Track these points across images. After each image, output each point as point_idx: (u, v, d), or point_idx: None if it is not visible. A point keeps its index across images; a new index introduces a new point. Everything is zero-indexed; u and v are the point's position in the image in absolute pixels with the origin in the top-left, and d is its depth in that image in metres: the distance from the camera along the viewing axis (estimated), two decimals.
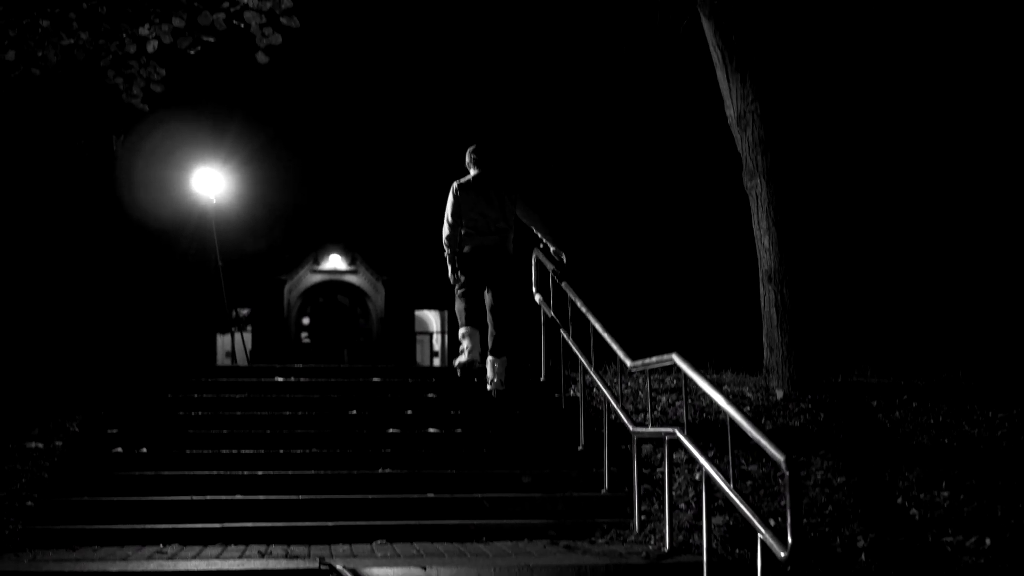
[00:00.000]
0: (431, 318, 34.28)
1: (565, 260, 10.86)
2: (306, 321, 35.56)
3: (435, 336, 34.07)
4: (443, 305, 32.44)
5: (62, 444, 9.58)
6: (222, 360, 31.02)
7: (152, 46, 10.27)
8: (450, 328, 32.13)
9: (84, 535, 7.94)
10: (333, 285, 34.64)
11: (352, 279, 34.12)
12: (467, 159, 11.05)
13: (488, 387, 10.65)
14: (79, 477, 8.85)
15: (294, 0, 9.95)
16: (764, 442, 5.81)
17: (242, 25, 10.12)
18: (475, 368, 10.85)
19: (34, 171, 15.23)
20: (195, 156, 20.41)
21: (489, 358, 10.71)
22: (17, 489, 8.66)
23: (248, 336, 29.85)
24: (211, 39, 10.28)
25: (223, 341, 30.93)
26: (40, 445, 9.59)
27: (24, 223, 14.61)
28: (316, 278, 34.05)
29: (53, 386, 11.13)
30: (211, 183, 19.15)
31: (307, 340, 35.28)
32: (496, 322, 10.79)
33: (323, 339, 34.90)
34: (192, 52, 10.39)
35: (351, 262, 33.43)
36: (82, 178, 17.43)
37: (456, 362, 10.97)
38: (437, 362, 33.17)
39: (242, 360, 27.88)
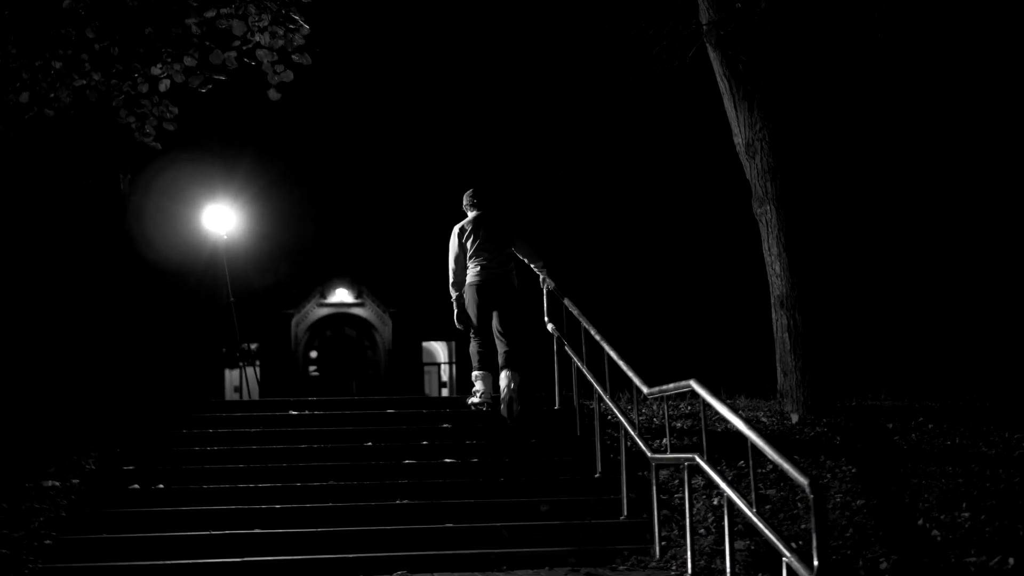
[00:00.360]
0: (438, 349, 34.27)
1: (552, 289, 11.29)
2: (314, 354, 35.53)
3: (443, 367, 34.05)
4: (450, 336, 32.43)
5: (79, 482, 9.59)
6: (231, 395, 31.03)
7: (164, 85, 10.31)
8: (458, 359, 32.16)
9: (103, 573, 7.95)
10: (340, 318, 34.65)
11: (359, 312, 34.14)
12: (464, 202, 11.66)
13: (501, 406, 10.91)
14: (97, 515, 8.86)
15: (305, 38, 10.00)
16: (787, 466, 5.82)
17: (253, 63, 10.17)
18: (486, 411, 11.13)
19: (46, 211, 15.30)
20: (206, 192, 20.49)
21: (502, 373, 11.03)
22: (35, 528, 8.67)
23: (256, 370, 29.84)
24: (222, 77, 10.33)
25: (231, 376, 30.97)
26: (57, 483, 9.61)
27: (35, 262, 14.67)
28: (323, 311, 34.07)
29: (67, 423, 11.14)
30: (222, 219, 19.22)
31: (315, 373, 35.26)
32: (506, 340, 11.17)
33: (331, 372, 34.87)
34: (203, 90, 10.43)
35: (357, 295, 33.48)
36: (92, 217, 17.49)
37: (469, 401, 11.31)
38: (445, 392, 33.15)
39: (252, 395, 27.88)
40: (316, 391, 32.05)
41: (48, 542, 8.40)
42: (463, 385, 30.48)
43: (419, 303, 30.86)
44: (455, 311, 11.48)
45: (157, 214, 22.54)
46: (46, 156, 14.79)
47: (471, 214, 11.52)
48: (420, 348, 33.30)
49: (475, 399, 11.19)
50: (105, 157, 17.67)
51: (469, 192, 11.56)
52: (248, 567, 7.98)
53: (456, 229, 11.41)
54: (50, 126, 11.09)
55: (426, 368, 33.73)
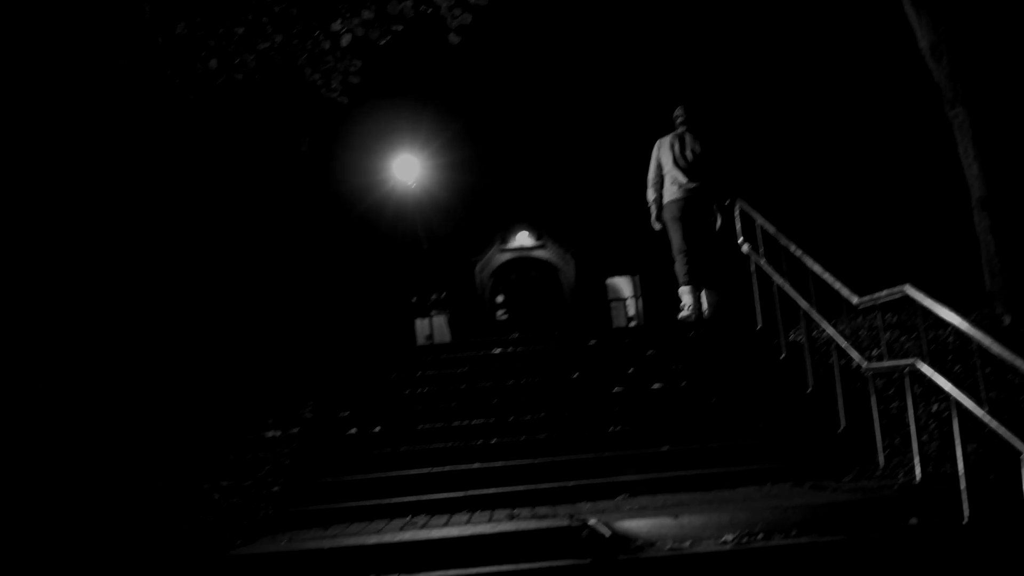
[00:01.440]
0: (623, 285, 34.13)
1: (727, 203, 11.49)
2: (500, 299, 35.82)
3: (629, 302, 33.92)
4: (635, 271, 32.34)
5: (299, 430, 9.91)
6: (422, 344, 31.45)
7: (346, 40, 10.48)
8: (644, 292, 32.04)
9: (332, 514, 8.17)
10: (522, 262, 34.84)
11: (540, 254, 34.24)
12: (674, 115, 12.11)
13: (703, 314, 11.63)
14: (319, 460, 9.14)
15: None
16: (1020, 362, 5.68)
17: (430, 10, 10.26)
18: (692, 321, 11.53)
19: (244, 177, 15.73)
20: (390, 146, 20.77)
21: (704, 292, 11.70)
22: (262, 476, 9.00)
23: (446, 318, 30.25)
24: (400, 27, 10.44)
25: (421, 325, 31.45)
26: (278, 433, 9.95)
27: (236, 228, 15.12)
28: (505, 256, 34.26)
29: (279, 379, 11.51)
30: (409, 169, 19.51)
31: (503, 317, 35.56)
32: (707, 259, 11.79)
33: (519, 314, 35.15)
34: (383, 42, 10.57)
35: (538, 238, 33.55)
36: (279, 177, 17.90)
37: (679, 316, 11.80)
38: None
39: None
40: (505, 335, 32.37)
41: (276, 489, 8.70)
42: (651, 318, 30.40)
43: (600, 241, 30.79)
44: (652, 214, 12.08)
45: (343, 170, 22.94)
46: (232, 122, 15.16)
47: (677, 128, 12.01)
48: (604, 285, 33.24)
49: (683, 313, 11.67)
50: (287, 119, 18.03)
51: (679, 108, 12.07)
52: (471, 500, 8.11)
53: (657, 143, 11.97)
54: (234, 91, 11.38)
55: (612, 304, 33.65)
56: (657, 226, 12.03)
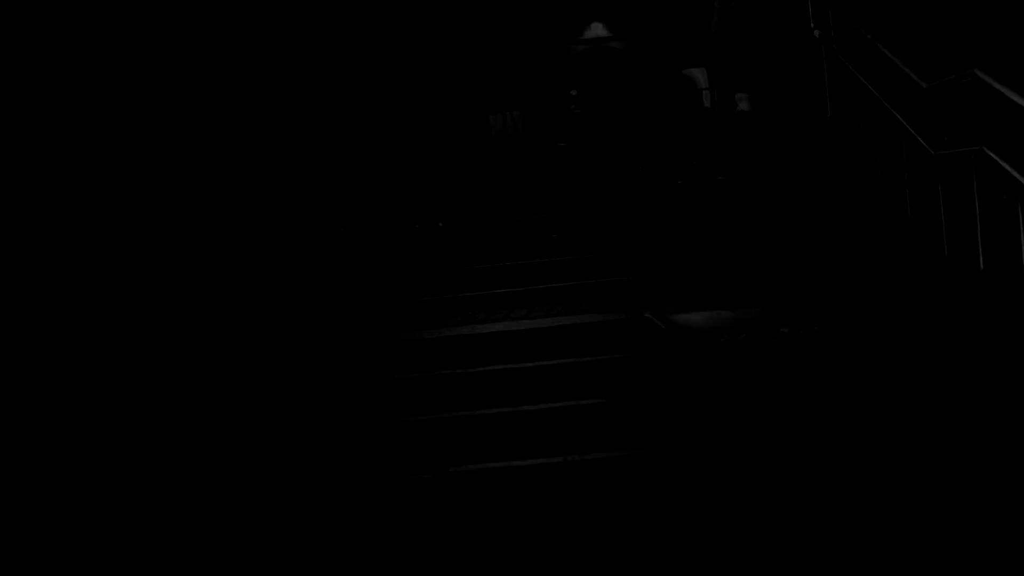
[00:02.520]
0: (698, 76, 33.48)
1: None
2: (573, 92, 35.30)
3: (704, 93, 33.29)
4: (709, 63, 31.68)
5: (361, 226, 9.93)
6: (494, 137, 31.23)
7: None
8: (718, 84, 31.42)
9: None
10: (597, 53, 34.17)
11: (616, 45, 33.56)
12: None
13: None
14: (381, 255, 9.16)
15: None
16: None
17: None
18: (763, 115, 11.14)
19: None
20: None
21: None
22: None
23: (518, 114, 29.94)
24: None
25: (494, 120, 31.18)
26: (342, 230, 9.98)
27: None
28: (579, 48, 33.60)
29: (345, 173, 11.48)
30: None
31: (577, 111, 35.10)
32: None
33: (592, 108, 34.67)
34: None
35: (611, 29, 32.83)
36: None
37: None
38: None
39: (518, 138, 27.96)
40: (579, 129, 32.00)
41: None
42: (725, 110, 29.94)
43: (675, 32, 30.15)
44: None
45: None
46: None
47: None
48: (678, 77, 32.61)
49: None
50: None
51: None
52: (531, 295, 8.10)
53: None
54: None
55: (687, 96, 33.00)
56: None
